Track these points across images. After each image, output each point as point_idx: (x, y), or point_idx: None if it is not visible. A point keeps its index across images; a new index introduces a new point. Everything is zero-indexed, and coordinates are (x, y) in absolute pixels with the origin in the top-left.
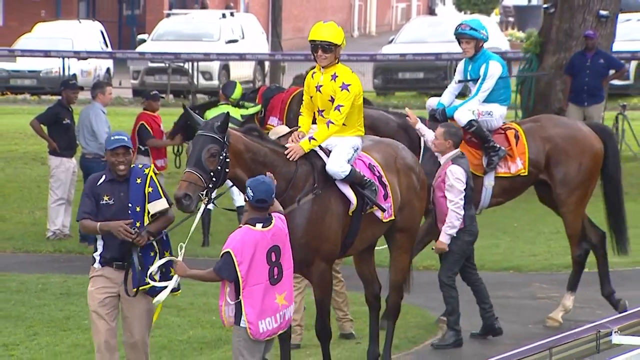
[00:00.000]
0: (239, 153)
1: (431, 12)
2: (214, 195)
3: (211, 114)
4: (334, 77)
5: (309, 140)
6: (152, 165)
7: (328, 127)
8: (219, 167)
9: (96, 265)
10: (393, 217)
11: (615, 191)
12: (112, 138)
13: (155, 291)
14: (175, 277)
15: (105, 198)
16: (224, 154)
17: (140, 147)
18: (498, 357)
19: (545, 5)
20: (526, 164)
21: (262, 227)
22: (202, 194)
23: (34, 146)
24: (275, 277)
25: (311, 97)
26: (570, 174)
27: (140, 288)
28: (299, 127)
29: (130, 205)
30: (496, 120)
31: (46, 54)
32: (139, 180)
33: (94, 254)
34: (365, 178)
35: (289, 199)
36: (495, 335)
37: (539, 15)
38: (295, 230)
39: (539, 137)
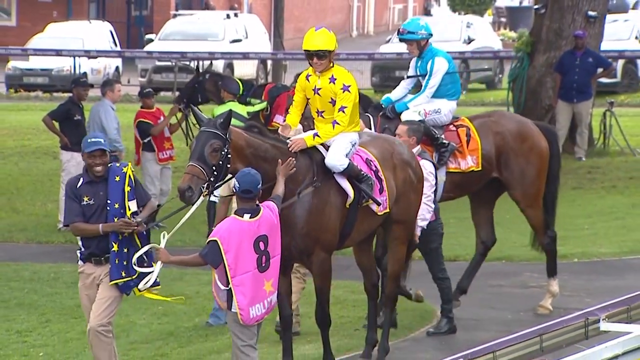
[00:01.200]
0: (240, 149)
1: (427, 13)
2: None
3: (218, 111)
4: (332, 79)
5: (313, 137)
6: (130, 164)
7: (334, 127)
8: (221, 162)
9: (79, 262)
10: (388, 210)
11: (554, 190)
12: (89, 141)
13: (127, 286)
14: (159, 263)
15: (86, 199)
16: (226, 150)
17: (144, 141)
18: (491, 343)
19: (536, 6)
20: (479, 160)
21: (250, 217)
22: (204, 187)
23: (46, 141)
24: (264, 265)
25: (308, 99)
26: (520, 172)
27: (118, 281)
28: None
29: (109, 202)
30: (445, 115)
31: (58, 53)
32: (117, 179)
33: (77, 252)
34: (362, 172)
35: (289, 192)
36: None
37: (530, 16)
38: (296, 221)
39: (491, 132)
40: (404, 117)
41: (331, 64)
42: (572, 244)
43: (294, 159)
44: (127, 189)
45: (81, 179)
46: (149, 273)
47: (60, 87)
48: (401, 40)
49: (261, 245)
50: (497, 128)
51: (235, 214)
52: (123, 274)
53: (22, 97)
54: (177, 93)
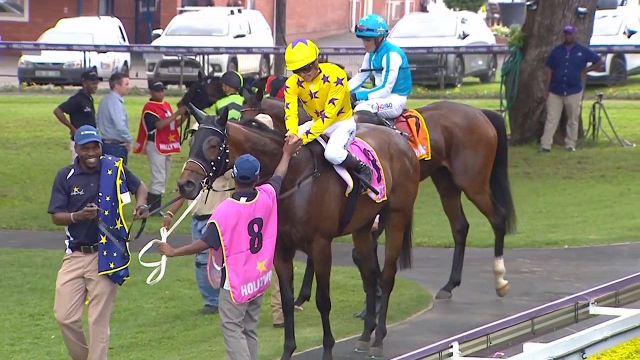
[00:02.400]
0: (239, 144)
1: (423, 9)
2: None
3: (221, 103)
4: (325, 79)
5: (306, 134)
6: (122, 159)
7: (323, 121)
8: (219, 157)
9: (67, 250)
10: (385, 199)
11: (504, 175)
12: (82, 133)
13: (118, 276)
14: (164, 258)
15: (75, 189)
16: (224, 145)
17: (150, 133)
18: (484, 326)
19: (528, 3)
20: (429, 149)
21: (246, 201)
22: (203, 182)
23: (57, 132)
24: (256, 246)
25: (305, 102)
26: (469, 163)
27: (107, 272)
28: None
29: (100, 194)
30: (396, 109)
31: (69, 47)
32: (110, 172)
33: (65, 241)
34: (361, 163)
35: (290, 182)
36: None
37: (522, 12)
38: (297, 209)
39: (439, 125)
40: (358, 108)
41: (318, 70)
42: (563, 231)
43: (301, 139)
44: (118, 182)
45: (72, 170)
46: (155, 267)
47: (71, 80)
48: (359, 36)
49: (255, 227)
50: (445, 122)
51: (232, 197)
52: (111, 266)
53: (34, 90)
54: (183, 86)
